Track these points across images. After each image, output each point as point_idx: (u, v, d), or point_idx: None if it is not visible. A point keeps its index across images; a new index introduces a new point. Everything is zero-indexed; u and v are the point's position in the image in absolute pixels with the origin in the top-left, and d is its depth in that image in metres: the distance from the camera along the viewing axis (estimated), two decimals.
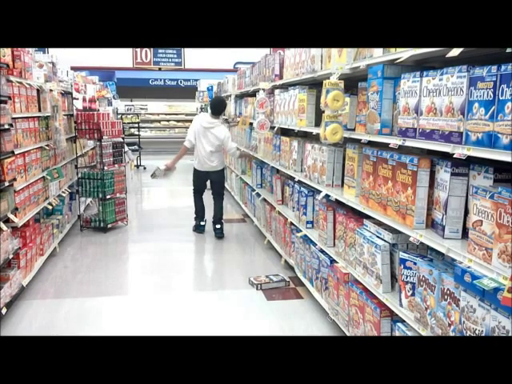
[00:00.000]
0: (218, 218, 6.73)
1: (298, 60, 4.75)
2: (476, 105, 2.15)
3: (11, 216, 4.35)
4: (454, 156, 2.28)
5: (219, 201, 6.77)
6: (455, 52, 2.20)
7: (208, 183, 6.85)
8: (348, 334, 3.57)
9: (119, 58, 16.06)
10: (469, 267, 2.17)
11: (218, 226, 6.71)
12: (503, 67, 2.00)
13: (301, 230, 4.69)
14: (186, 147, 6.62)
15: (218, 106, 6.62)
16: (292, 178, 5.11)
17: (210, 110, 6.65)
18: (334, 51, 3.70)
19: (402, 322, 2.84)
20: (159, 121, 18.53)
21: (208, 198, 6.94)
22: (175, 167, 6.79)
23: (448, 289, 2.32)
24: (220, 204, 6.75)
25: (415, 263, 2.68)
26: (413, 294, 2.70)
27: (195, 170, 6.72)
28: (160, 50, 16.94)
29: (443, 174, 2.51)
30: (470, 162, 2.38)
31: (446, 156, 2.47)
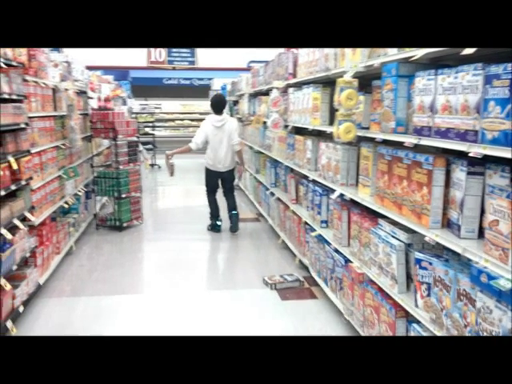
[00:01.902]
0: (232, 207, 6.92)
1: (312, 58, 4.73)
2: (492, 103, 2.12)
3: (28, 215, 4.39)
4: (470, 155, 2.25)
5: (231, 195, 6.98)
6: (470, 50, 2.17)
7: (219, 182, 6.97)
8: (363, 335, 3.55)
9: (133, 57, 16.14)
10: (485, 267, 2.15)
11: (233, 212, 6.88)
12: None
13: (315, 230, 4.68)
14: (191, 148, 6.68)
15: (218, 104, 6.79)
16: (306, 177, 5.10)
17: (213, 111, 6.77)
18: (348, 49, 3.67)
19: (418, 322, 2.81)
20: (173, 120, 18.60)
21: (219, 195, 7.03)
22: (173, 164, 6.76)
23: (464, 289, 2.30)
24: (233, 197, 6.97)
25: (431, 263, 2.65)
26: (428, 295, 2.68)
27: (208, 170, 6.82)
28: (174, 50, 17.00)
29: (459, 173, 2.48)
30: (486, 160, 2.35)
31: (462, 155, 2.44)
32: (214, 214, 6.95)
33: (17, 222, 4.08)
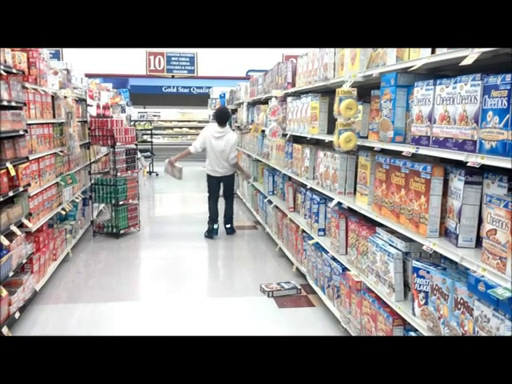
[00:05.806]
0: (228, 217, 7.22)
1: (311, 68, 4.76)
2: (490, 113, 2.14)
3: (25, 221, 4.39)
4: (468, 164, 2.27)
5: (229, 201, 7.23)
6: (469, 60, 2.19)
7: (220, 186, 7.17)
8: None
9: (133, 65, 16.19)
10: (482, 276, 2.16)
11: (228, 226, 7.23)
12: None
13: (313, 238, 4.68)
14: (190, 152, 7.03)
15: (222, 116, 7.00)
16: (304, 186, 5.11)
17: (216, 121, 6.98)
18: (347, 59, 3.70)
19: (415, 330, 2.82)
20: (172, 128, 18.64)
21: (220, 200, 7.17)
22: (181, 167, 7.05)
23: (461, 298, 2.30)
24: (230, 204, 7.23)
25: (428, 272, 2.66)
26: (426, 303, 2.68)
27: (208, 175, 7.05)
28: (173, 58, 17.03)
29: (457, 183, 2.49)
30: (484, 170, 2.37)
31: (460, 164, 2.46)
32: (213, 217, 7.05)
33: (14, 228, 4.07)
